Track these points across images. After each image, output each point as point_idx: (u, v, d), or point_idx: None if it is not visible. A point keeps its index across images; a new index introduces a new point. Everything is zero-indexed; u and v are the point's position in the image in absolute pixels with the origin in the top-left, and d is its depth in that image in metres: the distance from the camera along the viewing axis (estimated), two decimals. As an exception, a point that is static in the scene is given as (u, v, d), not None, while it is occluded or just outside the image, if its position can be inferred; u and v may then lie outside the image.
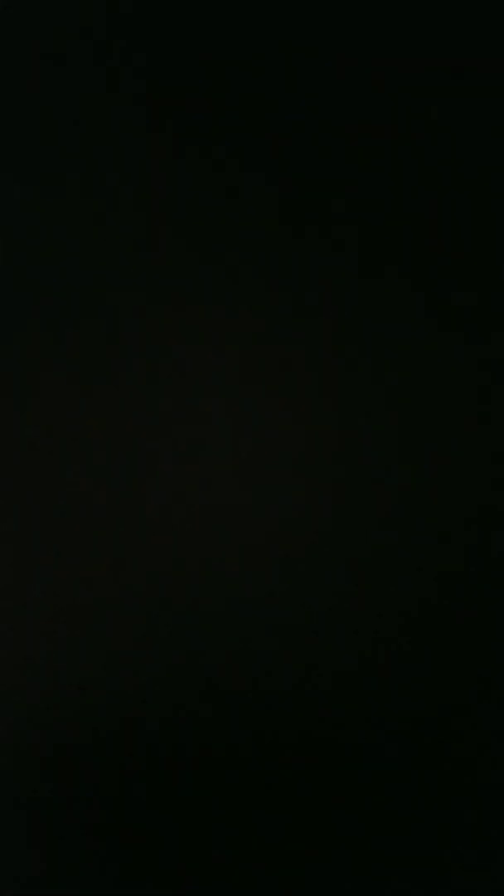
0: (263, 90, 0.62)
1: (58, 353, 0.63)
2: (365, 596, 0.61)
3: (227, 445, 0.62)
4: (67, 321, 0.63)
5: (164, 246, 0.63)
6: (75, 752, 0.62)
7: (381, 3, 0.62)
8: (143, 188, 0.62)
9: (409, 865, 0.61)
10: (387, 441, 0.62)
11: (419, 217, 0.61)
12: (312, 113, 0.62)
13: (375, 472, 0.61)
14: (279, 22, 0.62)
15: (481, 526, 0.61)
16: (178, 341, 0.63)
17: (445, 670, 0.61)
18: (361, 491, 0.62)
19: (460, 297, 0.61)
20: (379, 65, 0.62)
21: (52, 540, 0.62)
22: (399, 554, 0.61)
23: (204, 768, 0.62)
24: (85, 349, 0.63)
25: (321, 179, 0.62)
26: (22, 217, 0.63)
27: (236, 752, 0.62)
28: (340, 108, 0.62)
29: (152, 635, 0.62)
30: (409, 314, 0.62)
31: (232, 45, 0.62)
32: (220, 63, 0.62)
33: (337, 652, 0.61)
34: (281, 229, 0.62)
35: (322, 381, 0.62)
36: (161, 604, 0.62)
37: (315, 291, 0.62)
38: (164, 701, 0.62)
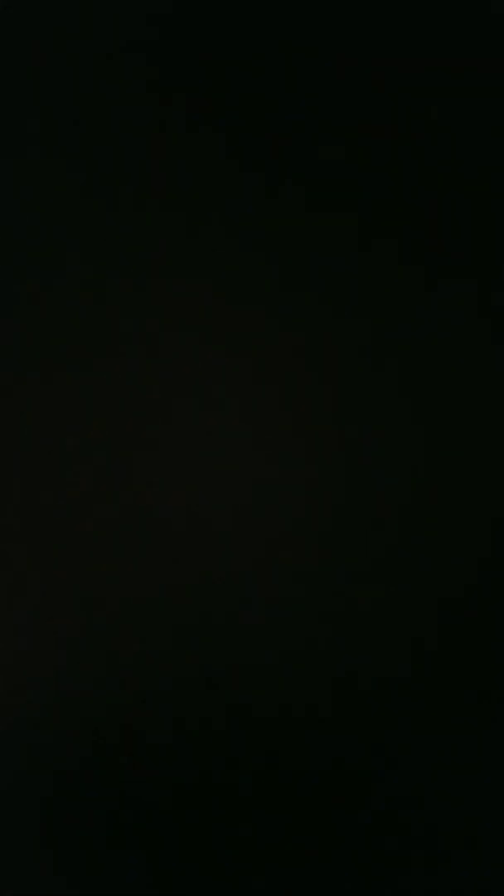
0: (264, 83, 0.62)
1: (57, 350, 0.63)
2: (369, 599, 0.62)
3: (229, 445, 0.62)
4: (67, 317, 0.63)
5: (163, 244, 0.63)
6: (77, 758, 0.62)
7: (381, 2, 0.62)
8: (143, 184, 0.63)
9: (409, 871, 0.62)
10: (390, 441, 0.62)
11: (421, 211, 0.62)
12: (313, 109, 0.62)
13: (378, 471, 0.62)
14: (280, 19, 0.62)
15: (487, 527, 0.61)
16: (178, 337, 0.63)
17: (450, 675, 0.61)
18: (364, 492, 0.62)
19: (462, 292, 0.61)
20: (378, 60, 0.62)
21: (51, 543, 0.63)
22: (403, 555, 0.61)
23: (206, 775, 0.62)
24: (85, 347, 0.63)
25: (322, 176, 0.62)
26: (21, 214, 0.63)
27: (239, 759, 0.62)
28: (341, 101, 0.62)
29: (153, 638, 0.62)
30: (410, 309, 0.62)
31: (232, 42, 0.62)
32: (220, 58, 0.62)
33: (341, 657, 0.62)
34: (281, 222, 0.62)
35: (324, 379, 0.62)
36: (162, 607, 0.62)
37: (316, 289, 0.62)
38: (165, 704, 0.62)
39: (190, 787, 0.62)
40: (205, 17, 0.63)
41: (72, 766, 0.62)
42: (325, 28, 0.62)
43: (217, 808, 0.62)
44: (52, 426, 0.63)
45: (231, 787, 0.62)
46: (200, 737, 0.62)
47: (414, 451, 0.62)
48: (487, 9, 0.62)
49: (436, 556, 0.61)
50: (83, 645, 0.62)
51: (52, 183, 0.63)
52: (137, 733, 0.62)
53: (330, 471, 0.62)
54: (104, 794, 0.62)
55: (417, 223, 0.62)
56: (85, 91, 0.63)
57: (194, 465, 0.62)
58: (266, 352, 0.62)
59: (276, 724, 0.62)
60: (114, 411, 0.63)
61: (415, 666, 0.61)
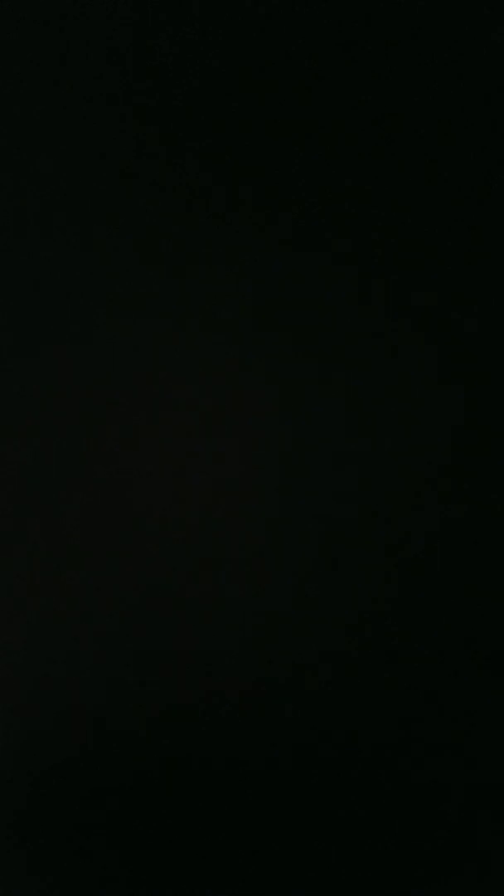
0: (261, 100, 0.62)
1: (57, 345, 0.63)
2: (357, 585, 0.62)
3: (222, 439, 0.63)
4: (65, 313, 0.63)
5: (158, 248, 0.63)
6: (72, 749, 0.63)
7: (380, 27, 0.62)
8: (141, 194, 0.63)
9: (409, 860, 0.62)
10: (383, 437, 0.62)
11: (416, 229, 0.62)
12: (311, 120, 0.62)
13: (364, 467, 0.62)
14: (279, 35, 0.62)
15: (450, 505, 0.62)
16: (174, 336, 0.63)
17: (435, 649, 0.62)
18: (346, 488, 0.62)
19: (457, 311, 0.62)
20: (378, 78, 0.62)
21: (44, 536, 0.63)
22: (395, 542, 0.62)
23: (199, 761, 0.62)
24: (82, 344, 0.63)
25: (318, 185, 0.62)
26: (19, 222, 0.63)
27: (234, 747, 0.62)
28: (338, 119, 0.62)
29: (145, 623, 0.62)
30: (403, 326, 0.62)
31: (230, 54, 0.63)
32: (218, 74, 0.63)
33: (331, 637, 0.62)
34: (276, 234, 0.62)
35: (316, 379, 0.62)
36: (153, 593, 0.62)
37: (311, 293, 0.62)
38: (159, 701, 0.62)
39: (187, 779, 0.62)
40: (203, 30, 0.63)
41: (68, 762, 0.63)
42: (324, 39, 0.62)
43: (215, 805, 0.62)
44: (48, 424, 0.63)
45: (230, 781, 0.62)
46: (195, 725, 0.62)
47: (407, 454, 0.62)
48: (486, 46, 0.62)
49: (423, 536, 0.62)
50: (77, 632, 0.62)
51: (52, 178, 0.63)
52: (130, 725, 0.62)
53: (319, 467, 0.62)
54: (100, 792, 0.63)
55: (415, 237, 0.62)
56: (84, 102, 0.63)
57: (184, 459, 0.62)
58: (260, 351, 0.63)
59: (269, 712, 0.62)
60: (109, 409, 0.63)
61: (406, 646, 0.62)
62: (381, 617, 0.62)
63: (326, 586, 0.62)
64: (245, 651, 0.62)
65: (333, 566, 0.62)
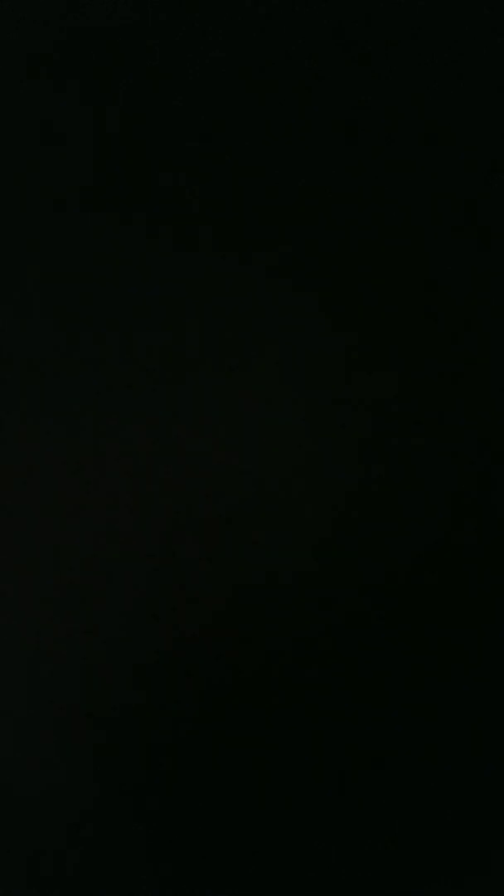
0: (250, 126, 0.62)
1: (57, 346, 0.63)
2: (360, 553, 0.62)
3: (224, 419, 0.63)
4: (66, 308, 0.63)
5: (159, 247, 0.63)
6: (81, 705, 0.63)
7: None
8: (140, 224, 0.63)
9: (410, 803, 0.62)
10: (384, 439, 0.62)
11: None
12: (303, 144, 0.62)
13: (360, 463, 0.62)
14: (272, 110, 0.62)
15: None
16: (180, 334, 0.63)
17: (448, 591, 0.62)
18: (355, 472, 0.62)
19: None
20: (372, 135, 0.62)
21: (53, 502, 0.62)
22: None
23: (197, 757, 0.62)
24: (83, 345, 0.63)
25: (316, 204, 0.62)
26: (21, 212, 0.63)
27: (233, 746, 0.62)
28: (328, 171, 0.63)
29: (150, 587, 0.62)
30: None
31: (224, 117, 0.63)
32: (217, 77, 0.63)
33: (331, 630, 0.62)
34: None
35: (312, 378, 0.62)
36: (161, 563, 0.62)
37: (310, 295, 0.63)
38: (157, 695, 0.62)
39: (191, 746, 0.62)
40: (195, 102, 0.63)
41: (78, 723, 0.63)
42: (319, 110, 0.62)
43: (219, 774, 0.62)
44: (53, 411, 0.63)
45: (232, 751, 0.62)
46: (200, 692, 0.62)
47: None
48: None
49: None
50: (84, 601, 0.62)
51: (53, 187, 0.63)
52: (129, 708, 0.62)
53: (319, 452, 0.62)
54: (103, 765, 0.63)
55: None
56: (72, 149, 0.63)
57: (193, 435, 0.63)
58: (260, 350, 0.63)
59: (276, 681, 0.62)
60: (116, 395, 0.63)
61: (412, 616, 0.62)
62: (382, 615, 0.62)
63: (325, 571, 0.62)
64: (243, 652, 0.62)
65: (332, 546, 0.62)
